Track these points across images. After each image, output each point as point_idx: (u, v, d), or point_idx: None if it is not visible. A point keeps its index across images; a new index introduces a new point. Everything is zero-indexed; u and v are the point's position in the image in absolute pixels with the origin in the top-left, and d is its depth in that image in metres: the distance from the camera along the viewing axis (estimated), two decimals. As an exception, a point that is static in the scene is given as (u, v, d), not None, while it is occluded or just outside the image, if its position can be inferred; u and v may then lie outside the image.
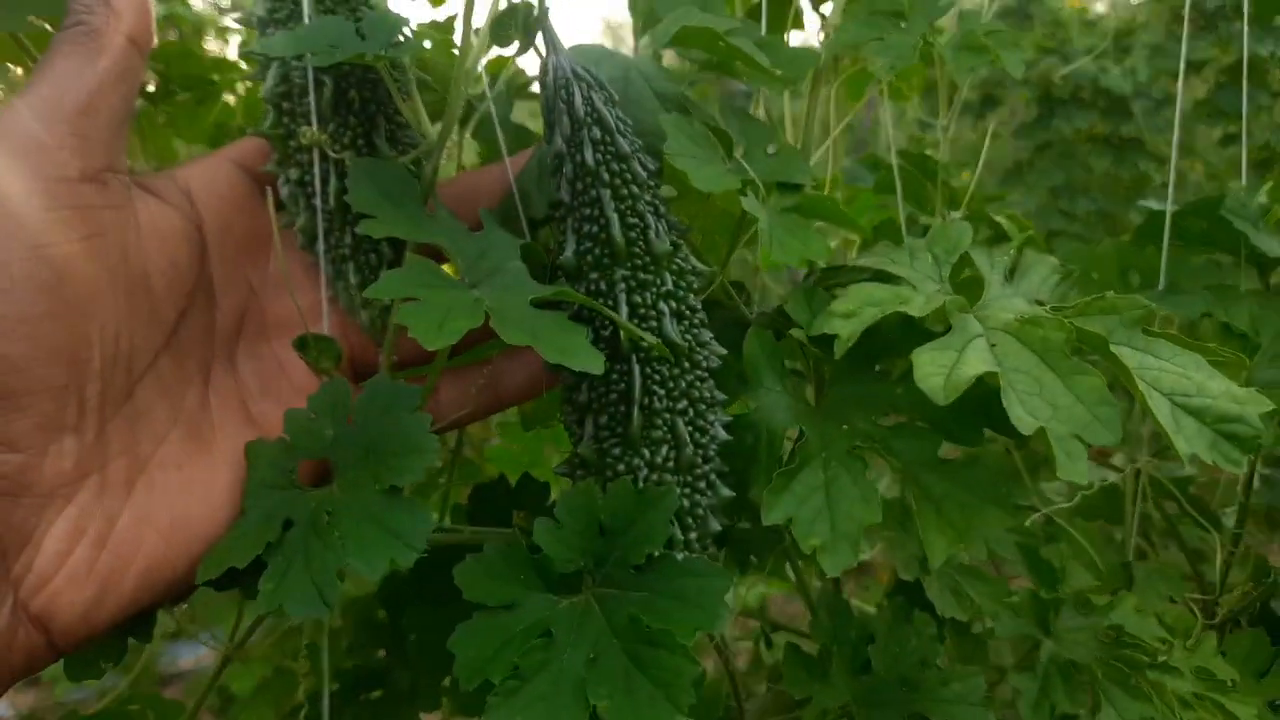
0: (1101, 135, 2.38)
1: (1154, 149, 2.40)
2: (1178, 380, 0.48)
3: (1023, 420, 0.42)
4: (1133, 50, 2.38)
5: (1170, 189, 0.79)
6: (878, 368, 0.52)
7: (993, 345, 0.48)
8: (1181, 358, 0.50)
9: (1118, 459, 1.01)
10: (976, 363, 0.45)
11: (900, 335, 0.51)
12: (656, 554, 0.42)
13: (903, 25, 0.64)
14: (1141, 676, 0.66)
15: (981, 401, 0.45)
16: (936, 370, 0.44)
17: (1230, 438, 0.46)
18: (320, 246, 0.51)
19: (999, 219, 0.69)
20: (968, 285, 0.58)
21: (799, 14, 0.71)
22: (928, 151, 0.81)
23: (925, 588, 0.61)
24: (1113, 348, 0.49)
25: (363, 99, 0.51)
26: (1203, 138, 2.25)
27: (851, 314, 0.50)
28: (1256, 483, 0.82)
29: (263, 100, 0.51)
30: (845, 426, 0.49)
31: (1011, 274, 0.61)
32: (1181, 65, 0.79)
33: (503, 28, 0.48)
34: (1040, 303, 0.57)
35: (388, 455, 0.41)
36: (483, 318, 0.40)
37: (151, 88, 0.80)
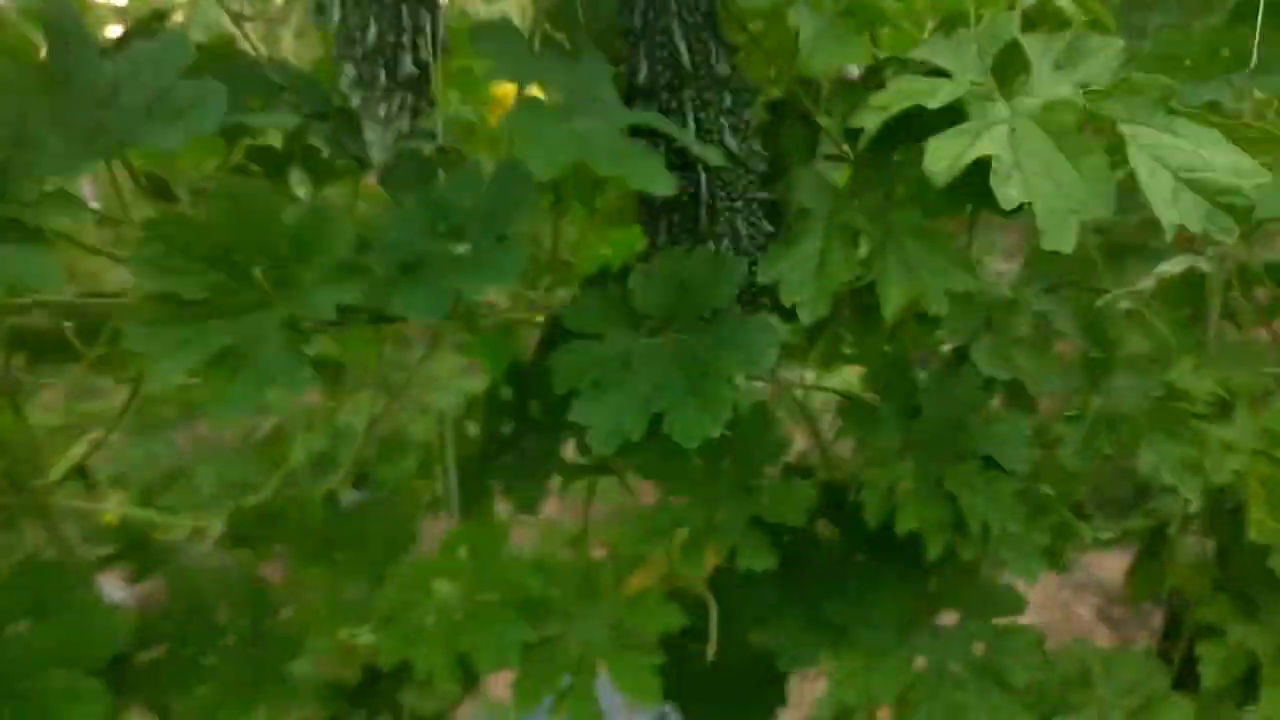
0: None
1: None
2: (1187, 156, 0.53)
3: (1008, 198, 0.50)
4: None
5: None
6: (897, 156, 0.60)
7: (1013, 130, 0.55)
8: (1199, 134, 0.55)
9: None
10: (985, 146, 0.52)
11: (926, 125, 0.57)
12: (723, 308, 0.54)
13: None
14: (1185, 425, 0.74)
15: (979, 181, 0.52)
16: (945, 154, 0.52)
17: (1225, 207, 0.52)
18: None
19: (1061, 2, 0.71)
20: (1014, 74, 0.63)
21: None
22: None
23: (972, 350, 0.70)
24: (1127, 127, 0.54)
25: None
26: None
27: (884, 107, 0.57)
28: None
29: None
30: (856, 203, 0.58)
31: (1069, 57, 0.65)
32: None
33: None
34: (1087, 87, 0.61)
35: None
36: (583, 152, 0.50)
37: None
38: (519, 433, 0.72)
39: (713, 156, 0.56)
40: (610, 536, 0.60)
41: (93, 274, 0.64)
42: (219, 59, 0.67)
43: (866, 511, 0.63)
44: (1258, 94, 0.77)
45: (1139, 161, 0.52)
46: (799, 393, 0.81)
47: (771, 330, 0.54)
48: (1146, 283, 0.88)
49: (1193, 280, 0.96)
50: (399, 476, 0.89)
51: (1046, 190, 0.52)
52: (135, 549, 0.64)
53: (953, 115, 0.57)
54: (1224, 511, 0.94)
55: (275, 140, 0.73)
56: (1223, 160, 0.53)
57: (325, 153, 0.72)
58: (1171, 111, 0.55)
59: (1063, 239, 0.51)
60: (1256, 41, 0.78)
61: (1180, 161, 0.53)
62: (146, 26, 0.70)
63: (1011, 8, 0.75)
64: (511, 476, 0.69)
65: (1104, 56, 0.64)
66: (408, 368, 0.72)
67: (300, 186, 0.75)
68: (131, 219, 0.56)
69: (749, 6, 0.57)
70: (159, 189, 0.62)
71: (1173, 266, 1.00)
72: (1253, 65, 0.78)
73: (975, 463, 0.66)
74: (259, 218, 0.50)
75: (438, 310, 0.51)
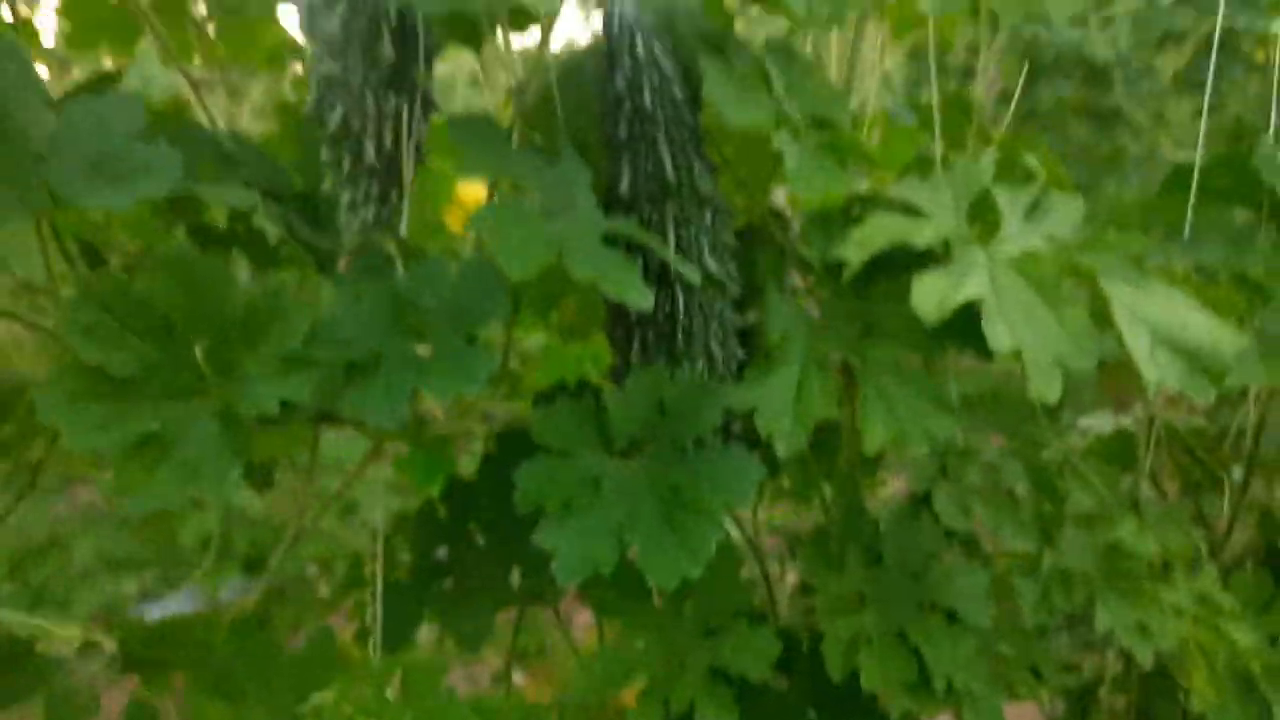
0: (1082, 106, 2.39)
1: (1133, 121, 2.40)
2: (1163, 314, 0.54)
3: (999, 341, 0.49)
4: (1114, 20, 2.37)
5: (1200, 141, 0.83)
6: (875, 289, 0.59)
7: (994, 276, 0.55)
8: (1171, 294, 0.56)
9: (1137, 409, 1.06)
10: (970, 289, 0.52)
11: (905, 262, 0.57)
12: (703, 438, 0.51)
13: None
14: (1136, 585, 0.73)
15: (963, 324, 0.51)
16: (932, 294, 0.51)
17: (1202, 369, 0.52)
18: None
19: (1026, 158, 0.74)
20: (989, 221, 0.64)
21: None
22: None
23: (933, 500, 0.69)
24: (1105, 282, 0.55)
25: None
26: (1176, 110, 2.25)
27: (866, 242, 0.57)
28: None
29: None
30: (833, 335, 0.56)
31: (1034, 211, 0.66)
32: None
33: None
34: (1056, 241, 0.63)
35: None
36: (557, 254, 0.48)
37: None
38: (457, 558, 0.66)
39: (692, 274, 0.54)
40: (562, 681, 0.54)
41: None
42: (172, 123, 0.63)
43: (828, 663, 0.59)
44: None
45: (1120, 316, 0.53)
46: (749, 529, 0.78)
47: (754, 464, 0.51)
48: (1078, 438, 0.89)
49: (1121, 438, 0.98)
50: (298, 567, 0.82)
51: (1030, 339, 0.51)
52: (9, 662, 0.55)
53: (933, 257, 0.57)
54: (1153, 675, 0.93)
55: (218, 218, 0.68)
56: (1200, 322, 0.53)
57: (273, 236, 0.67)
58: (1144, 271, 0.56)
59: (1050, 388, 0.50)
60: (1189, 214, 0.83)
61: (1157, 319, 0.53)
62: (96, 84, 0.66)
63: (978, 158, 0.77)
64: (449, 607, 0.63)
65: (1066, 213, 0.66)
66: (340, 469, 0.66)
67: (240, 270, 0.70)
68: (54, 286, 0.50)
69: (733, 127, 0.56)
70: (90, 257, 0.56)
71: (1103, 424, 1.03)
72: (1186, 236, 0.83)
73: (938, 616, 0.63)
74: (208, 293, 0.45)
75: (395, 414, 0.46)
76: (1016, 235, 0.62)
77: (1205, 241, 0.81)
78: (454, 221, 0.83)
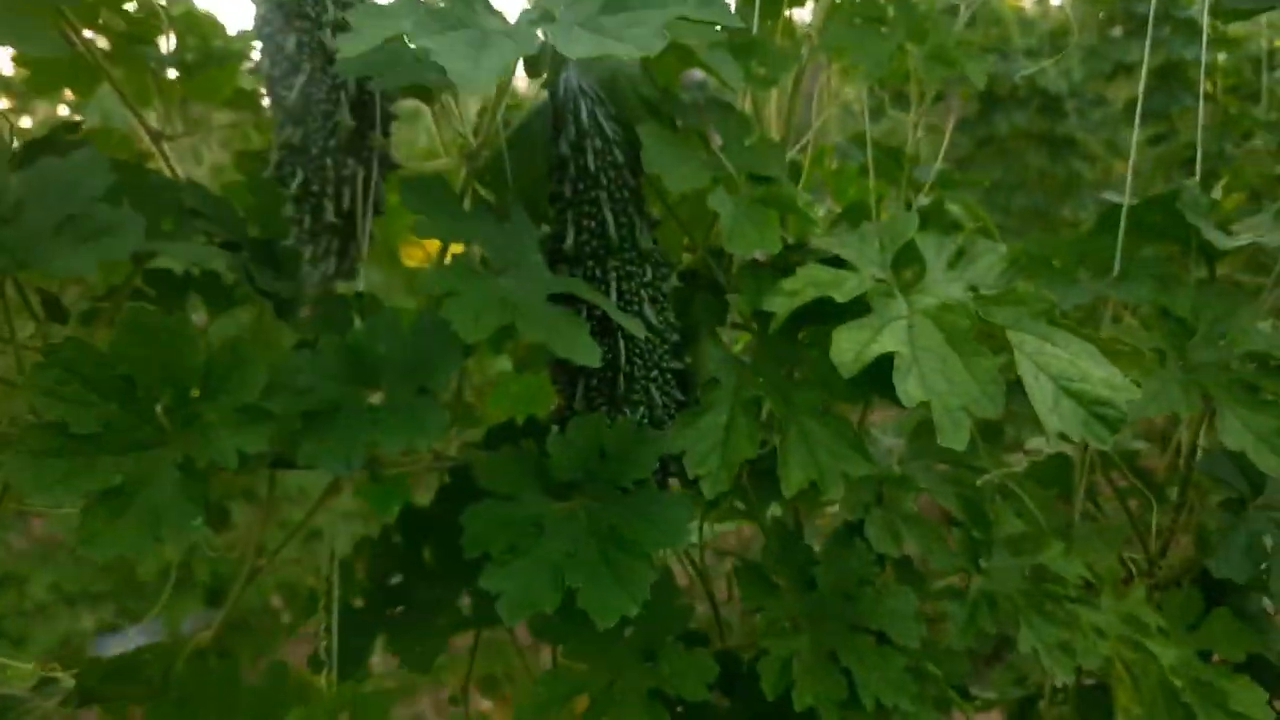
0: (1038, 133, 2.48)
1: (1086, 148, 2.50)
2: (1066, 366, 0.58)
3: (909, 394, 0.53)
4: (1068, 51, 2.47)
5: (1129, 182, 0.88)
6: (800, 336, 0.63)
7: (910, 327, 0.59)
8: (1076, 346, 0.60)
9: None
10: (887, 342, 0.56)
11: (830, 311, 0.61)
12: (641, 481, 0.54)
13: (884, 30, 0.73)
14: (1059, 607, 0.78)
15: (882, 373, 0.55)
16: (850, 346, 0.55)
17: (1101, 419, 0.56)
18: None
19: (952, 208, 0.78)
20: (915, 270, 0.68)
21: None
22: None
23: (866, 526, 0.72)
24: (1013, 334, 0.59)
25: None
26: (1129, 137, 2.35)
27: (794, 293, 0.61)
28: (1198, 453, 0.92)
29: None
30: (761, 379, 0.60)
31: (959, 259, 0.71)
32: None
33: (535, 62, 0.59)
34: (975, 289, 0.67)
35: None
36: (510, 316, 0.51)
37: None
38: (409, 583, 0.69)
39: (634, 327, 0.58)
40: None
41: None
42: (132, 174, 0.65)
43: (764, 683, 0.63)
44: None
45: (1024, 368, 0.57)
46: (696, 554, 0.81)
47: (688, 506, 0.55)
48: (1019, 462, 0.93)
49: (1060, 460, 1.03)
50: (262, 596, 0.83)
51: (941, 388, 0.55)
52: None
53: (856, 306, 0.61)
54: (1090, 689, 0.98)
55: (174, 262, 0.71)
56: (1099, 374, 0.57)
57: (229, 278, 0.70)
58: (1052, 323, 0.61)
59: (957, 437, 0.54)
60: (1119, 252, 0.88)
61: (1060, 370, 0.58)
62: (58, 136, 0.68)
63: (909, 206, 0.82)
64: (401, 631, 0.66)
65: (989, 261, 0.70)
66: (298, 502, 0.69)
67: (195, 313, 0.72)
68: (11, 333, 0.52)
69: (670, 191, 0.60)
70: (51, 308, 0.59)
71: (1041, 447, 1.08)
72: (1115, 273, 0.88)
73: (868, 637, 0.67)
74: (169, 350, 0.48)
75: (350, 462, 0.49)
76: (939, 284, 0.66)
77: (1134, 279, 0.86)
78: (412, 259, 0.87)
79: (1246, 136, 1.74)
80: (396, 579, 0.70)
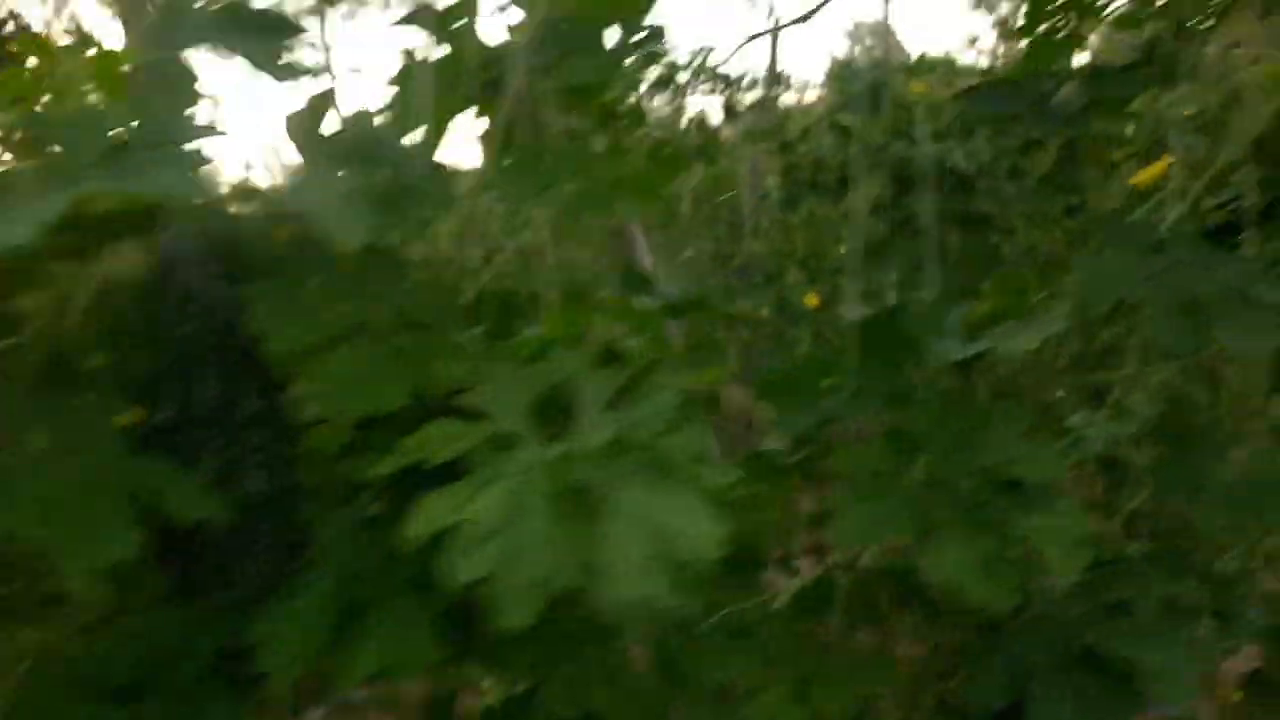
0: (952, 213, 2.51)
1: (1002, 223, 2.53)
2: (668, 523, 0.54)
3: (466, 570, 0.50)
4: (976, 132, 2.51)
5: (859, 302, 0.86)
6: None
7: (519, 486, 0.56)
8: (683, 500, 0.56)
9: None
10: (478, 507, 0.53)
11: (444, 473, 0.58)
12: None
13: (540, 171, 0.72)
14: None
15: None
16: (427, 519, 0.52)
17: (683, 583, 0.52)
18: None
19: (627, 344, 0.76)
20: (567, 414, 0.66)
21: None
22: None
23: (546, 689, 0.68)
24: (613, 491, 0.55)
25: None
26: (1047, 209, 2.37)
27: (409, 452, 0.58)
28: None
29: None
30: (360, 562, 0.58)
31: (623, 399, 0.67)
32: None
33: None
34: (638, 430, 0.64)
35: None
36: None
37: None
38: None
39: (218, 505, 0.55)
40: None
41: None
42: None
43: None
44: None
45: (615, 531, 0.54)
46: None
47: (240, 712, 0.52)
48: (783, 596, 0.89)
49: (822, 584, 0.97)
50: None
51: (516, 557, 0.52)
52: None
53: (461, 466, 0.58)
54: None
55: None
56: (697, 531, 0.54)
57: None
58: (667, 474, 0.58)
59: (518, 614, 0.50)
60: (852, 370, 0.86)
61: (659, 528, 0.54)
62: None
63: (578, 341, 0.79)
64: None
65: (663, 398, 0.67)
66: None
67: None
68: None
69: (272, 352, 0.59)
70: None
71: (806, 574, 1.02)
72: (847, 392, 0.86)
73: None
74: None
75: None
76: (585, 430, 0.63)
77: (865, 397, 0.84)
78: None
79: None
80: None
